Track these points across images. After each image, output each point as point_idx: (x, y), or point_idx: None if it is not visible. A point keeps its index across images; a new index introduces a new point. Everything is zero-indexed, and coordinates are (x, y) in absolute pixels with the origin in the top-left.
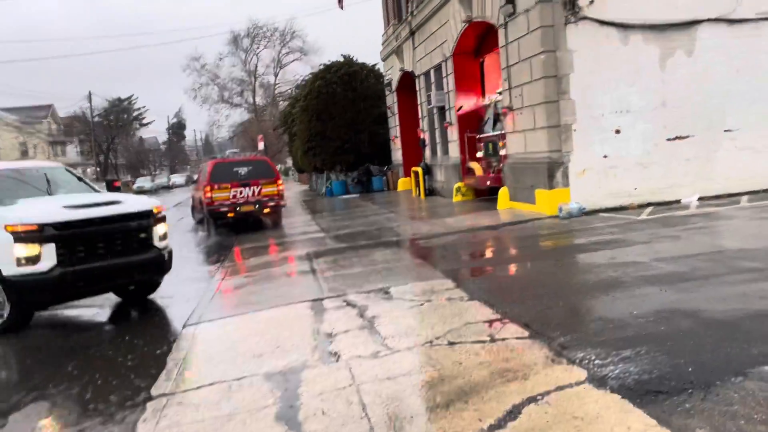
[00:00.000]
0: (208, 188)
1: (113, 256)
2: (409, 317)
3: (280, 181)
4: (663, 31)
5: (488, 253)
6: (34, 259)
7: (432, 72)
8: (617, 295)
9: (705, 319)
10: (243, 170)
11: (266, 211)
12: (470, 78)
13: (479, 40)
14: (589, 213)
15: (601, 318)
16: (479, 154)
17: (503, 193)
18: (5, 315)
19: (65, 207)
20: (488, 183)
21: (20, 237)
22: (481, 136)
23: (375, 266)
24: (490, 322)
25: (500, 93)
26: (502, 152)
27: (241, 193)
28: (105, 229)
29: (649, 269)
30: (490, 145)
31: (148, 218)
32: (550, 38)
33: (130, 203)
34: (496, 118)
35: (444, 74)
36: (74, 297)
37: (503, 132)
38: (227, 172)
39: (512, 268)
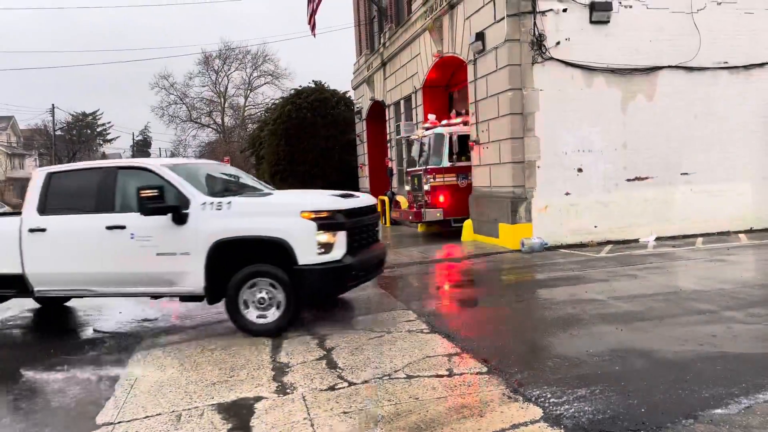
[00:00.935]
0: None
1: (368, 246)
2: (368, 349)
3: None
4: (625, 75)
5: (450, 286)
6: (330, 247)
7: (402, 102)
8: (575, 333)
9: (658, 359)
10: None
11: None
12: (439, 110)
13: (449, 74)
14: (550, 248)
15: (559, 355)
16: (407, 188)
17: (467, 225)
18: (281, 309)
19: (334, 196)
20: (410, 218)
21: (321, 224)
22: (410, 170)
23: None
24: (450, 356)
25: (426, 128)
26: (426, 187)
27: None
28: (368, 219)
29: (607, 307)
30: (415, 180)
31: (377, 211)
32: (517, 76)
33: (364, 196)
34: (421, 152)
35: (414, 105)
36: (350, 288)
37: (427, 168)
38: None
39: (474, 302)
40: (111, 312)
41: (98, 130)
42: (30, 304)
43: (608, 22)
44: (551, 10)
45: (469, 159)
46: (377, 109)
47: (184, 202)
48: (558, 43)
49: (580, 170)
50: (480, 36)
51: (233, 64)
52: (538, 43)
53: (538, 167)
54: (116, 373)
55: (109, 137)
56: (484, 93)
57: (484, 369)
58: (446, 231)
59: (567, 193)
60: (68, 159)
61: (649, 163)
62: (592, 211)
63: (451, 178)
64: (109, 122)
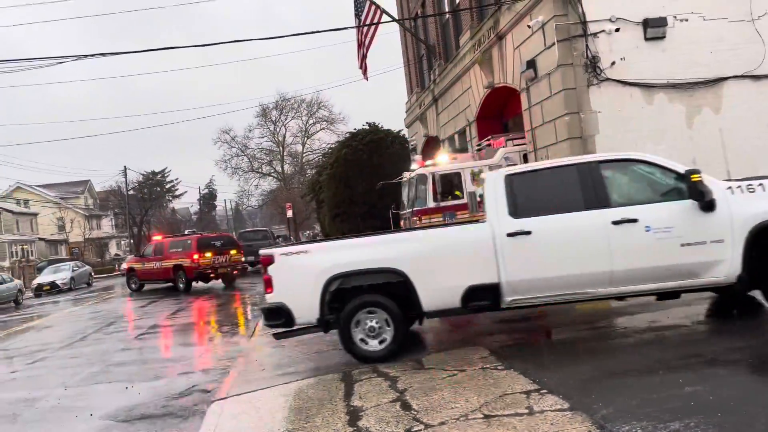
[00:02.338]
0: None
1: None
2: (442, 388)
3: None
4: (687, 89)
5: (521, 319)
6: None
7: (456, 136)
8: (661, 362)
9: (753, 388)
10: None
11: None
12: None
13: (502, 104)
14: None
15: (645, 387)
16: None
17: None
18: None
19: None
20: None
21: None
22: (402, 212)
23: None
24: (528, 392)
25: (412, 170)
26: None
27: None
28: None
29: (694, 334)
30: (406, 222)
31: None
32: (573, 100)
33: None
34: (409, 193)
35: (468, 138)
36: None
37: (414, 209)
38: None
39: (547, 335)
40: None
41: (167, 187)
42: None
43: (664, 37)
44: (603, 31)
45: (455, 198)
46: (432, 144)
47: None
48: (613, 63)
49: None
50: (531, 64)
51: (290, 114)
52: (592, 65)
53: None
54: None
55: (177, 193)
56: (540, 119)
57: (566, 405)
58: None
59: None
60: (141, 217)
61: (721, 177)
62: None
63: (437, 218)
64: (177, 179)
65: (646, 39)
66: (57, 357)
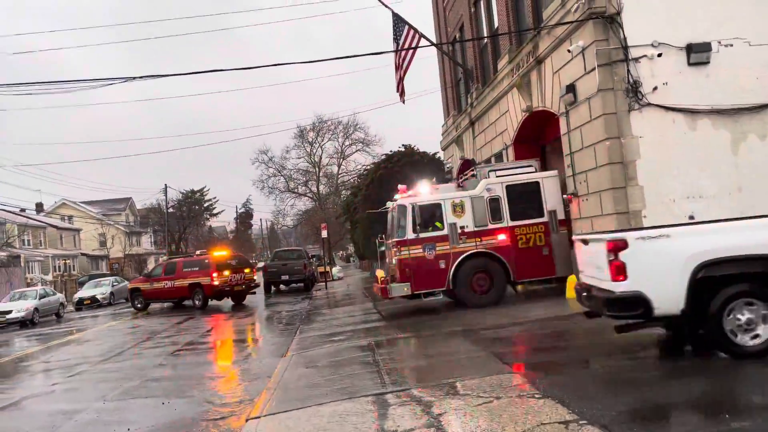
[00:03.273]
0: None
1: None
2: (478, 416)
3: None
4: (732, 115)
5: (559, 347)
6: None
7: (493, 159)
8: (704, 390)
9: None
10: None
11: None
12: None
13: (540, 128)
14: None
15: (687, 421)
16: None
17: (571, 281)
18: None
19: None
20: (379, 294)
21: None
22: (386, 242)
23: (439, 359)
24: (566, 422)
25: (395, 199)
26: (394, 260)
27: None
28: None
29: (741, 366)
30: (389, 253)
31: None
32: (613, 125)
33: None
34: (391, 224)
35: (505, 161)
36: None
37: (394, 240)
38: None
39: (586, 364)
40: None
41: (205, 205)
42: None
43: (708, 62)
44: (645, 56)
45: (435, 229)
46: (467, 167)
47: None
48: (655, 88)
49: (691, 218)
50: (571, 88)
51: (326, 135)
52: (634, 90)
53: (644, 217)
54: None
55: (215, 211)
56: (579, 144)
57: None
58: (548, 288)
59: None
60: (179, 234)
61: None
62: None
63: (417, 250)
64: (215, 197)
65: (690, 64)
66: (96, 371)
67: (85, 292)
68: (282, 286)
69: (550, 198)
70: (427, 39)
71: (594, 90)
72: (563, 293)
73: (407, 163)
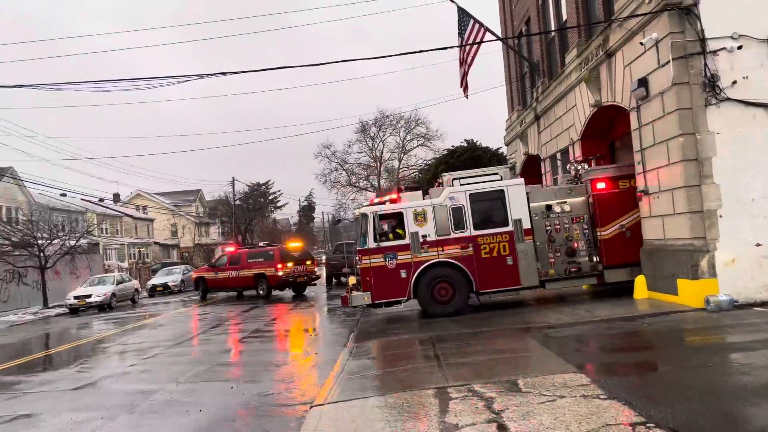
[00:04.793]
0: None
1: None
2: (540, 413)
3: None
4: None
5: (626, 347)
6: None
7: (558, 155)
8: None
9: None
10: (296, 254)
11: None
12: (599, 160)
13: (609, 123)
14: (741, 306)
15: (764, 427)
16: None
17: (640, 281)
18: None
19: None
20: (342, 303)
21: None
22: (359, 248)
23: (501, 355)
24: (633, 425)
25: (375, 204)
26: (357, 269)
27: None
28: None
29: None
30: (356, 261)
31: None
32: (688, 121)
33: None
34: (359, 230)
35: (571, 157)
36: None
37: (358, 248)
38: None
39: (654, 366)
40: None
41: (270, 198)
42: None
43: None
44: (723, 48)
45: (397, 238)
46: (531, 163)
47: None
48: (734, 82)
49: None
50: (643, 82)
51: (388, 130)
52: (711, 84)
53: (720, 216)
54: None
55: (279, 204)
56: (650, 140)
57: None
58: (615, 288)
59: (758, 244)
60: (245, 226)
61: None
62: None
63: (378, 259)
64: (279, 191)
65: None
66: (168, 354)
67: (157, 280)
68: (342, 278)
69: (516, 207)
70: (493, 33)
71: (668, 84)
72: (630, 293)
73: (469, 158)
